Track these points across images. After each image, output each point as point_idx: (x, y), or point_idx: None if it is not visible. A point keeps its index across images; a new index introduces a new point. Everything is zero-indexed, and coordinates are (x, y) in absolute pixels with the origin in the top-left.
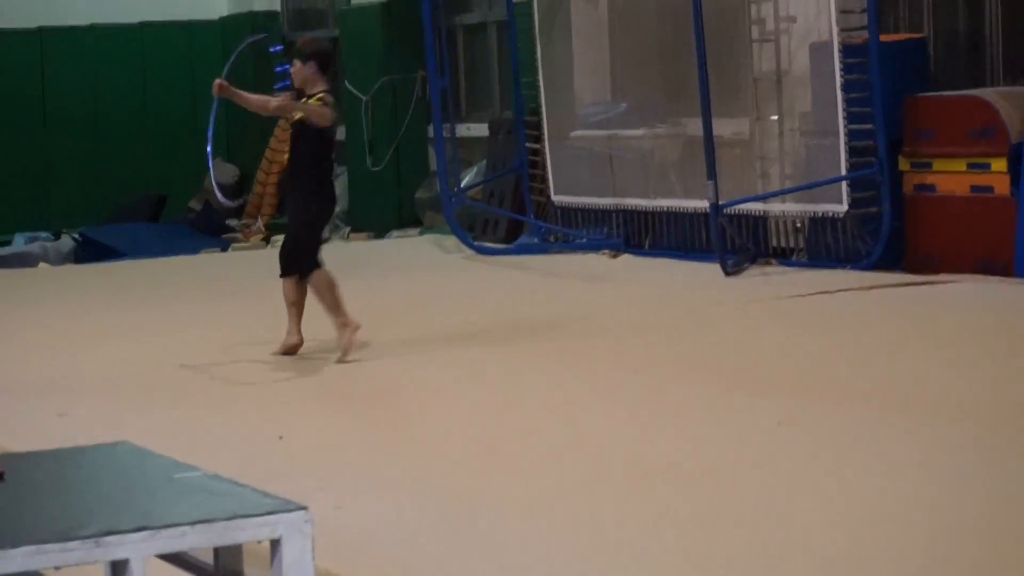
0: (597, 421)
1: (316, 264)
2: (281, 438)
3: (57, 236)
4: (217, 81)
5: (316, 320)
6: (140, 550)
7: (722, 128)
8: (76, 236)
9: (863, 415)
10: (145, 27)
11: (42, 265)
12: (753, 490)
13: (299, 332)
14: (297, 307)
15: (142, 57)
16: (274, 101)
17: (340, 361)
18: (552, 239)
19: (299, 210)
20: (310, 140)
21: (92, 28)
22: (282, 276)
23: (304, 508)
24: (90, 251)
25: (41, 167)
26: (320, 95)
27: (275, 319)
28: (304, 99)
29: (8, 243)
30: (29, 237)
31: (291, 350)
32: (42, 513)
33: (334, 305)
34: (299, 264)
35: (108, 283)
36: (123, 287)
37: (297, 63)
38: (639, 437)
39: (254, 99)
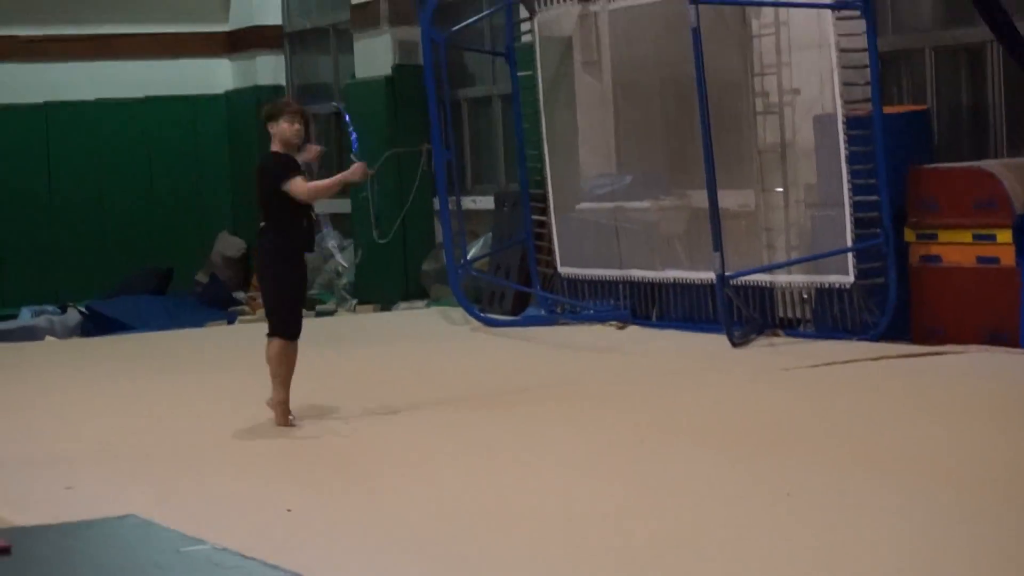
0: (604, 490)
1: (278, 329)
2: (289, 510)
3: (63, 309)
4: (368, 171)
5: (318, 387)
6: None
7: (727, 200)
8: (82, 309)
9: (872, 484)
10: (150, 101)
11: (48, 338)
12: (763, 561)
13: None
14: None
15: (147, 131)
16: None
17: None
18: (559, 311)
19: (264, 272)
20: (278, 198)
21: (97, 103)
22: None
23: None
24: (96, 324)
25: (47, 241)
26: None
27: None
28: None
29: (14, 317)
30: (35, 311)
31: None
32: None
33: (274, 376)
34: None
35: (114, 356)
36: (129, 360)
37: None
38: (646, 507)
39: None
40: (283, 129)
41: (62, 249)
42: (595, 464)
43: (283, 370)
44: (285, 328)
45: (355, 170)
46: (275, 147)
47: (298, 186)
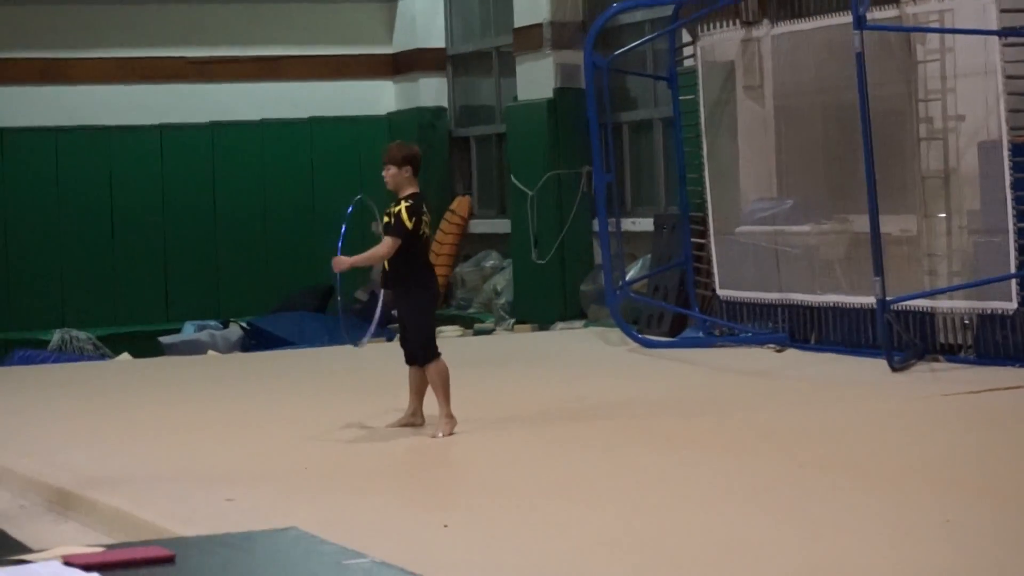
0: (762, 515)
1: (435, 353)
2: (446, 526)
3: (225, 325)
4: (335, 260)
5: (475, 406)
6: None
7: (889, 225)
8: (244, 325)
9: None
10: (314, 122)
11: (211, 352)
12: None
13: (421, 413)
14: (420, 392)
15: (310, 152)
16: (383, 248)
17: (439, 435)
18: (717, 333)
19: (408, 305)
20: (403, 237)
21: (262, 123)
22: (409, 364)
23: None
24: (257, 340)
25: (212, 258)
26: (408, 200)
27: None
28: (395, 204)
29: (179, 331)
30: (199, 325)
31: (409, 424)
32: None
33: (445, 394)
34: (419, 353)
35: (274, 371)
36: (289, 375)
37: (392, 168)
38: (802, 535)
39: (373, 255)
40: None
41: (226, 266)
42: (750, 491)
43: (448, 385)
44: (434, 351)
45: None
46: None
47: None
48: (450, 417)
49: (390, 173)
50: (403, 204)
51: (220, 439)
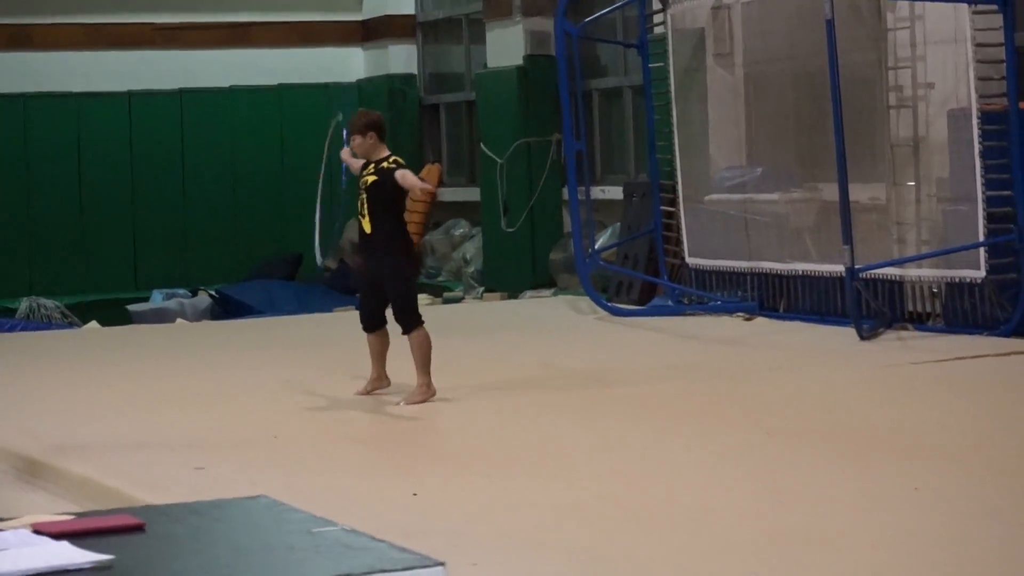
0: (729, 483)
1: (419, 321)
2: (415, 495)
3: (194, 293)
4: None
5: (444, 375)
6: None
7: (858, 193)
8: (212, 293)
9: (1001, 484)
10: (283, 89)
11: (179, 321)
12: (888, 557)
13: (386, 376)
14: (382, 356)
15: (280, 119)
16: (414, 177)
17: (402, 403)
18: (686, 301)
19: (391, 270)
20: (394, 195)
21: (231, 90)
22: (368, 331)
23: (441, 564)
24: (226, 308)
25: (181, 226)
26: (393, 159)
27: (407, 376)
28: (372, 166)
29: (147, 299)
30: (167, 294)
31: (375, 389)
32: (182, 565)
33: (426, 363)
34: (403, 320)
35: (243, 340)
36: (258, 344)
37: (357, 138)
38: (773, 501)
39: (416, 181)
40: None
41: (194, 234)
42: (721, 457)
43: (429, 354)
44: (419, 317)
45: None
46: None
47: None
48: (429, 387)
49: (356, 143)
50: (393, 156)
51: (189, 408)
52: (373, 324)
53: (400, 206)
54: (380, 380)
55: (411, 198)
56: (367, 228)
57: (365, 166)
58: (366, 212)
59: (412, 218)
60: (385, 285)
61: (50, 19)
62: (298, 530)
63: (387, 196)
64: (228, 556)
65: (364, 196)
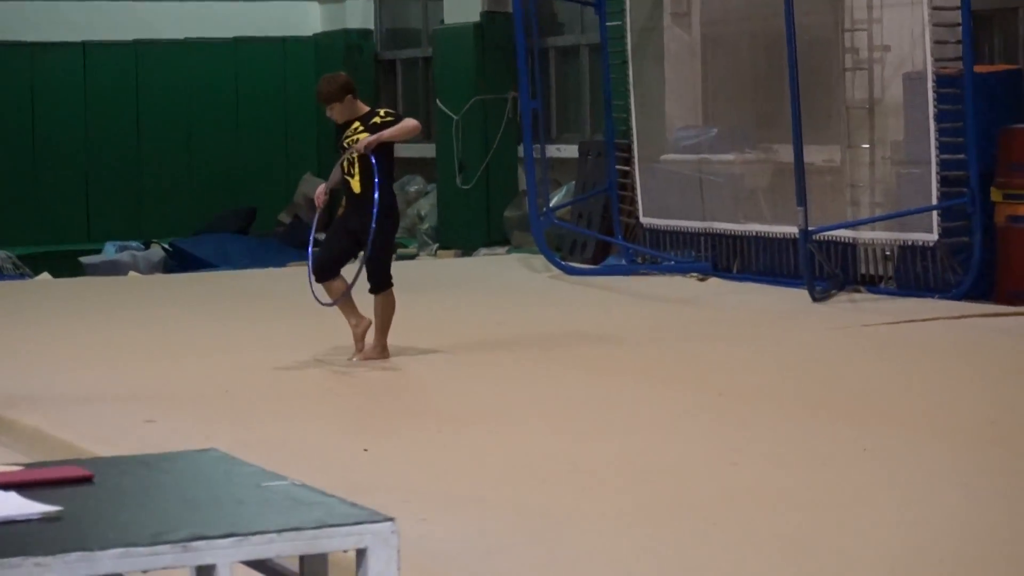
0: (680, 442)
1: (391, 282)
2: (366, 450)
3: (147, 246)
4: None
5: (395, 332)
6: (227, 556)
7: (813, 155)
8: (166, 246)
9: (949, 445)
10: (239, 42)
11: (132, 274)
12: (837, 516)
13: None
14: (349, 298)
15: (235, 72)
16: (412, 122)
17: (355, 358)
18: (640, 261)
19: (384, 226)
20: (387, 157)
21: (186, 43)
22: (321, 281)
23: (391, 519)
24: (180, 262)
25: (134, 178)
26: (384, 111)
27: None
28: (358, 123)
29: (99, 252)
30: (120, 246)
31: (363, 335)
32: (131, 517)
33: (387, 325)
34: (378, 280)
35: (196, 293)
36: (211, 298)
37: (336, 105)
38: (722, 460)
39: (399, 131)
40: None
41: (148, 187)
42: (671, 416)
43: (391, 317)
44: (390, 279)
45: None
46: None
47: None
48: (384, 349)
49: (336, 111)
50: (382, 109)
51: (141, 361)
52: (327, 274)
53: (391, 163)
54: (361, 318)
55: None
56: (356, 188)
57: (348, 124)
58: (356, 172)
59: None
60: (371, 244)
61: None
62: (248, 483)
63: (379, 154)
64: (177, 508)
65: (355, 155)
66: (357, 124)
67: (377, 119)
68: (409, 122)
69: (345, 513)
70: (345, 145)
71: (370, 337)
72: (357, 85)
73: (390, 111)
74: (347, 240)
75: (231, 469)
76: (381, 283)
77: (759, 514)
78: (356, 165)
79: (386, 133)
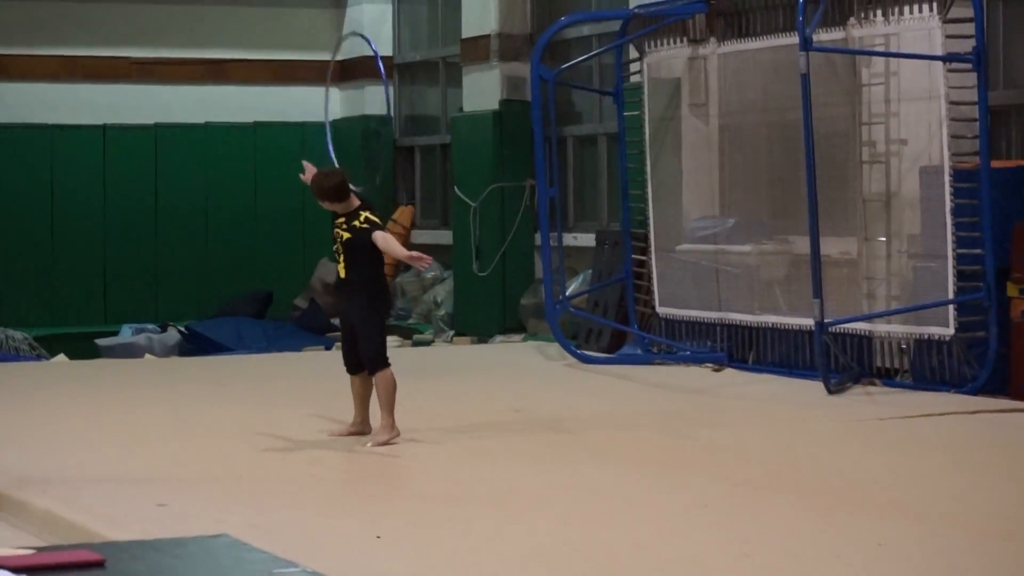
0: (693, 533)
1: (386, 362)
2: (379, 537)
3: (164, 329)
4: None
5: (412, 418)
6: None
7: (829, 247)
8: (182, 329)
9: (965, 540)
10: (258, 127)
11: (147, 356)
12: None
13: (368, 421)
14: (365, 400)
15: (254, 157)
16: (391, 239)
17: (369, 444)
18: (655, 350)
19: (365, 312)
20: (371, 248)
21: (206, 127)
22: (352, 374)
23: None
24: (195, 345)
25: (152, 261)
26: (365, 216)
27: (374, 418)
28: (349, 218)
29: (116, 334)
30: (136, 328)
31: (357, 433)
32: None
33: (390, 404)
34: (371, 360)
35: (212, 377)
36: (227, 381)
37: (327, 203)
38: (735, 552)
39: (394, 248)
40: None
41: (165, 270)
42: (688, 508)
43: (394, 396)
44: (386, 360)
45: None
46: None
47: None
48: (392, 428)
49: (339, 204)
50: (364, 213)
51: (155, 444)
52: (355, 366)
53: (378, 253)
54: (363, 424)
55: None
56: (342, 273)
57: (337, 217)
58: (342, 260)
59: (384, 259)
60: (356, 326)
61: (26, 50)
62: (259, 571)
63: (364, 249)
64: None
65: (340, 247)
66: (343, 220)
67: (357, 223)
68: (393, 242)
69: None
70: (335, 235)
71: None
72: (371, 170)
73: (371, 218)
74: (349, 332)
75: (242, 555)
76: (375, 364)
77: None
78: (342, 255)
79: (389, 248)
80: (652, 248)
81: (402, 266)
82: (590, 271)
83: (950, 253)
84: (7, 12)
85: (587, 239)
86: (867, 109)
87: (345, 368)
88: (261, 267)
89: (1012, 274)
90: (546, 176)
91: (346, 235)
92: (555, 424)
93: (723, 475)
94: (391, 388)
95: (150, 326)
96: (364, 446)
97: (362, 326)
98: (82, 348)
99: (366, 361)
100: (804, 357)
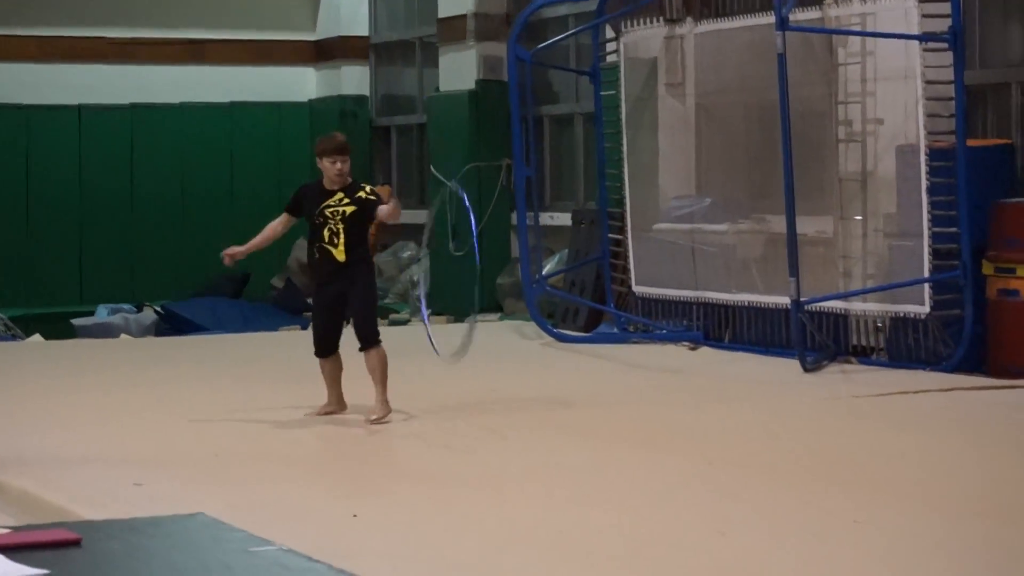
0: (670, 511)
1: (379, 336)
2: (355, 516)
3: (139, 309)
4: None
5: (391, 398)
6: None
7: (806, 226)
8: (158, 309)
9: (940, 517)
10: (235, 107)
11: (123, 336)
12: None
13: (343, 399)
14: (337, 380)
15: (231, 136)
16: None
17: (372, 422)
18: (632, 329)
19: (363, 287)
20: (366, 226)
21: (183, 107)
22: (324, 356)
23: None
24: (171, 325)
25: (128, 241)
26: (368, 188)
27: (351, 397)
28: (350, 191)
29: (91, 314)
30: (112, 309)
31: (331, 412)
32: None
33: (386, 379)
34: (369, 336)
35: (188, 356)
36: (202, 361)
37: (347, 160)
38: (711, 529)
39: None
40: (325, 167)
41: (142, 250)
42: (664, 486)
43: (386, 371)
44: (378, 336)
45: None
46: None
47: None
48: (387, 403)
49: (346, 167)
50: (364, 185)
51: (131, 423)
52: (328, 349)
53: (368, 230)
54: (339, 404)
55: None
56: (340, 257)
57: (329, 194)
58: (341, 242)
59: None
60: (355, 303)
61: (2, 30)
62: (235, 549)
63: (364, 223)
64: (164, 574)
65: (340, 226)
66: (341, 195)
67: (363, 193)
68: (396, 208)
69: None
70: (328, 214)
71: (359, 398)
72: (352, 150)
73: (373, 189)
74: (329, 315)
75: (218, 534)
76: (371, 339)
77: None
78: (341, 235)
79: (391, 213)
80: (629, 228)
81: (378, 245)
82: (567, 251)
83: (926, 232)
84: None
85: (564, 219)
86: (843, 88)
87: (316, 351)
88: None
89: (988, 252)
90: (523, 156)
91: (349, 209)
92: (532, 404)
93: (699, 453)
94: (385, 363)
95: (126, 306)
96: (368, 423)
97: (365, 305)
98: (58, 328)
99: (365, 337)
100: (780, 336)
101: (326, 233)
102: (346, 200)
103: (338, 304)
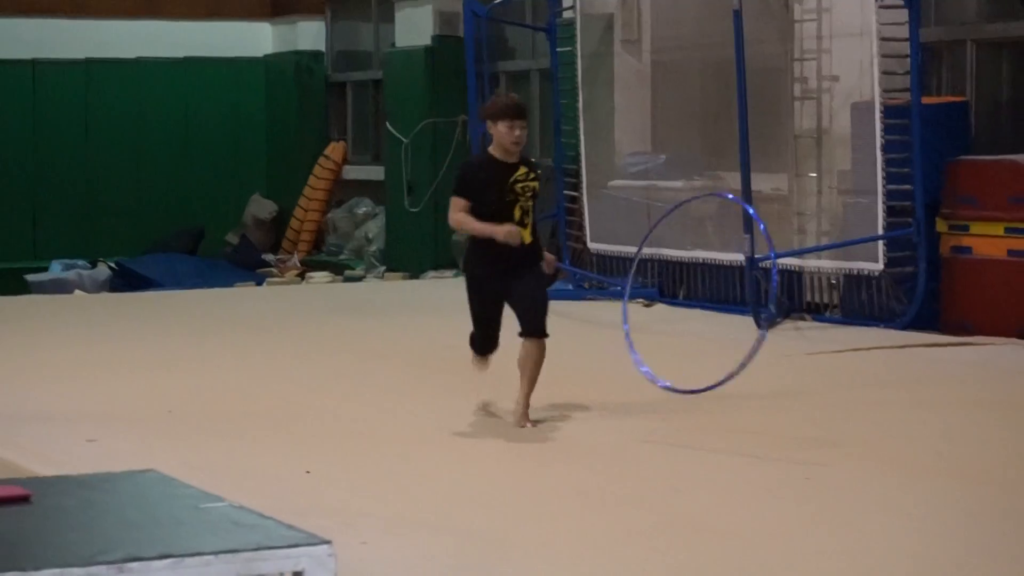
0: (623, 469)
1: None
2: (308, 472)
3: (94, 265)
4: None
5: (347, 356)
6: None
7: (761, 183)
8: (112, 265)
9: (894, 475)
10: (190, 62)
11: (77, 292)
12: (779, 546)
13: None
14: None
15: (186, 92)
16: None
17: (528, 425)
18: (587, 286)
19: (538, 273)
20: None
21: (138, 62)
22: (485, 354)
23: (328, 542)
24: (126, 281)
25: (82, 197)
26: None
27: (306, 354)
28: (524, 168)
29: (45, 269)
30: (66, 264)
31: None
32: (68, 537)
33: (536, 378)
34: (540, 326)
35: (142, 313)
36: (157, 317)
37: (525, 126)
38: (666, 487)
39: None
40: (501, 133)
41: (96, 205)
42: (616, 442)
43: (540, 370)
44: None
45: (509, 231)
46: (492, 149)
47: (451, 208)
48: (528, 404)
49: (526, 133)
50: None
51: (83, 380)
52: (493, 346)
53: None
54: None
55: (314, 175)
56: (528, 239)
57: (511, 168)
58: (530, 221)
59: (315, 195)
60: (530, 287)
61: None
62: (186, 505)
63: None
64: (114, 529)
65: (530, 204)
66: (525, 169)
67: (539, 171)
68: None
69: (282, 535)
70: (519, 190)
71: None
72: (304, 105)
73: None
74: (495, 308)
75: (170, 490)
76: (544, 327)
77: (701, 543)
78: (531, 214)
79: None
80: (584, 184)
81: (333, 201)
82: None
83: (880, 189)
84: None
85: None
86: (799, 45)
87: (480, 349)
88: (193, 203)
89: (942, 210)
90: (479, 112)
91: (534, 184)
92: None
93: (652, 411)
94: (542, 361)
95: (80, 262)
96: (534, 427)
97: (543, 290)
98: (11, 284)
99: (539, 326)
100: (735, 292)
101: (517, 212)
102: (532, 176)
103: (502, 297)
